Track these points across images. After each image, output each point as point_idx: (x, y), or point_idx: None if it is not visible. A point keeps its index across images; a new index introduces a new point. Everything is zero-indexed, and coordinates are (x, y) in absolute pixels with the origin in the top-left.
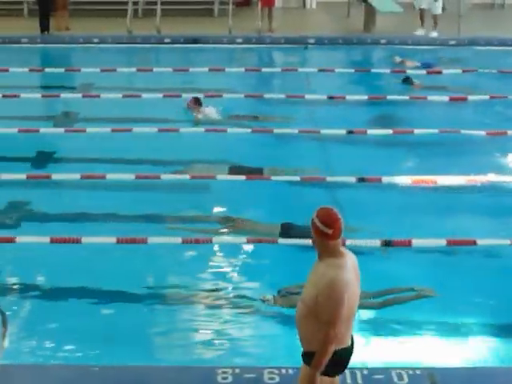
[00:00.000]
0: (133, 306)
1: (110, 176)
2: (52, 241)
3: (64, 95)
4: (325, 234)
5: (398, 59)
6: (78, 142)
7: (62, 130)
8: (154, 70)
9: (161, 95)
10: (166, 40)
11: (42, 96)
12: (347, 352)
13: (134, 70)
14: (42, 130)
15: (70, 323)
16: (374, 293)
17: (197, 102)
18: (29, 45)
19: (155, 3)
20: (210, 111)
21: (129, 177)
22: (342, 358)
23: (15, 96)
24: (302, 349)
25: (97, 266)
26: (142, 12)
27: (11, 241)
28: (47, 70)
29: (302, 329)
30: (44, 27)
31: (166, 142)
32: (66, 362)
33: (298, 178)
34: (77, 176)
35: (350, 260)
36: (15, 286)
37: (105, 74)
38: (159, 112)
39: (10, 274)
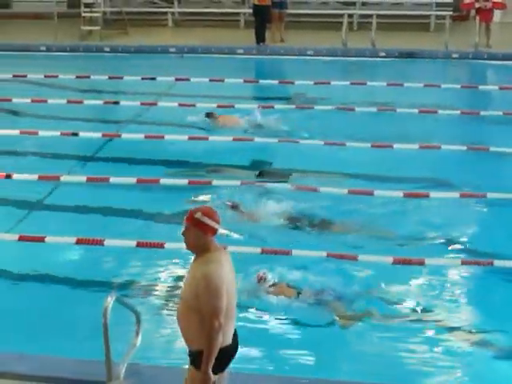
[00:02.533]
0: None
1: (323, 189)
2: None
3: (278, 106)
4: (211, 229)
5: None
6: (288, 153)
7: (275, 140)
8: (368, 83)
9: (375, 109)
10: (381, 53)
11: (258, 107)
12: (229, 349)
13: (347, 83)
14: (257, 139)
15: None
16: None
17: (211, 116)
18: (244, 56)
19: (371, 16)
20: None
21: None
22: (222, 356)
23: (230, 106)
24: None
25: None
26: (357, 25)
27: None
28: (261, 81)
29: (185, 327)
30: (260, 38)
31: (373, 157)
32: None
33: None
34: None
35: (225, 256)
36: None
37: (318, 86)
38: (372, 127)
39: None
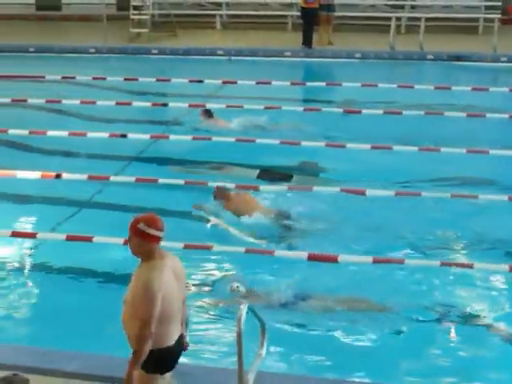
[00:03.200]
0: None
1: (369, 192)
2: None
3: (325, 109)
4: (154, 237)
5: None
6: (339, 157)
7: (322, 143)
8: (416, 86)
9: (422, 112)
10: (429, 56)
11: (304, 110)
12: (171, 351)
13: (394, 86)
14: (304, 143)
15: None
16: None
17: (206, 113)
18: (292, 58)
19: (419, 19)
20: (221, 123)
21: (389, 193)
22: (163, 357)
23: (277, 108)
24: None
25: None
26: (405, 28)
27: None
28: (309, 83)
29: (128, 329)
30: (307, 41)
31: (420, 160)
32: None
33: None
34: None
35: (172, 261)
36: None
37: (366, 89)
38: (420, 130)
39: None
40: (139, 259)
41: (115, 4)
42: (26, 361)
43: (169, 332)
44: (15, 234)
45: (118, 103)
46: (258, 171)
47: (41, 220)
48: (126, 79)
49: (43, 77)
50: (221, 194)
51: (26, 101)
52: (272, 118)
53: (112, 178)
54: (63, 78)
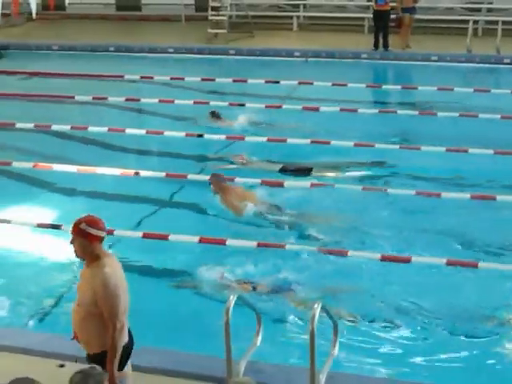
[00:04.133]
0: None
1: (444, 195)
2: None
3: (401, 112)
4: (98, 237)
5: None
6: (412, 159)
7: (396, 146)
8: (492, 90)
9: (498, 116)
10: (506, 60)
11: (379, 112)
12: (128, 347)
13: (471, 90)
14: (377, 145)
15: None
16: None
17: (213, 115)
18: (368, 60)
19: (496, 23)
20: (230, 122)
21: (464, 196)
22: (125, 353)
23: (353, 110)
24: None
25: None
26: (482, 31)
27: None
28: (384, 86)
29: (84, 332)
30: (384, 44)
31: (496, 163)
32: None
33: None
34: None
35: (115, 261)
36: None
37: (442, 92)
38: (496, 134)
39: None
40: (85, 261)
41: (193, 5)
42: None
43: (126, 327)
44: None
45: (195, 102)
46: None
47: (118, 217)
48: (203, 79)
49: (122, 76)
50: (217, 185)
51: (106, 99)
52: (347, 120)
53: (190, 177)
54: (142, 77)
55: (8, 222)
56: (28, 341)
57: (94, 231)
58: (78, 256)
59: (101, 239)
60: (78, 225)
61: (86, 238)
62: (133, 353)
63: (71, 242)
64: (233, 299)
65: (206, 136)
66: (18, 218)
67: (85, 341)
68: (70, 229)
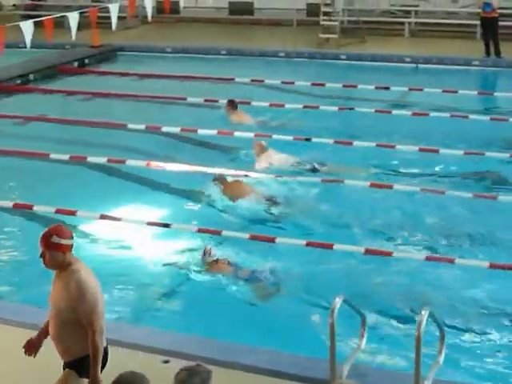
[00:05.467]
0: None
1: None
2: None
3: None
4: (67, 246)
5: None
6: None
7: (507, 155)
8: None
9: None
10: None
11: (491, 119)
12: (106, 349)
13: None
14: (487, 153)
15: None
16: None
17: (231, 104)
18: (479, 67)
19: None
20: (246, 117)
21: None
22: (105, 356)
23: (465, 117)
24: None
25: None
26: None
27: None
28: (496, 93)
29: (64, 341)
30: (495, 51)
31: None
32: None
33: None
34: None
35: (83, 263)
36: None
37: None
38: None
39: None
40: (56, 271)
41: (305, 10)
42: (208, 353)
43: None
44: (201, 231)
45: (305, 107)
46: None
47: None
48: (313, 84)
49: (233, 79)
50: (219, 179)
51: (217, 101)
52: (457, 126)
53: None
54: (252, 80)
55: (119, 219)
56: (134, 335)
57: (65, 242)
58: (49, 268)
59: (70, 248)
60: (49, 238)
61: (59, 249)
62: (235, 351)
63: (41, 256)
64: (338, 301)
65: (314, 140)
66: (129, 216)
67: (64, 349)
68: (39, 243)
